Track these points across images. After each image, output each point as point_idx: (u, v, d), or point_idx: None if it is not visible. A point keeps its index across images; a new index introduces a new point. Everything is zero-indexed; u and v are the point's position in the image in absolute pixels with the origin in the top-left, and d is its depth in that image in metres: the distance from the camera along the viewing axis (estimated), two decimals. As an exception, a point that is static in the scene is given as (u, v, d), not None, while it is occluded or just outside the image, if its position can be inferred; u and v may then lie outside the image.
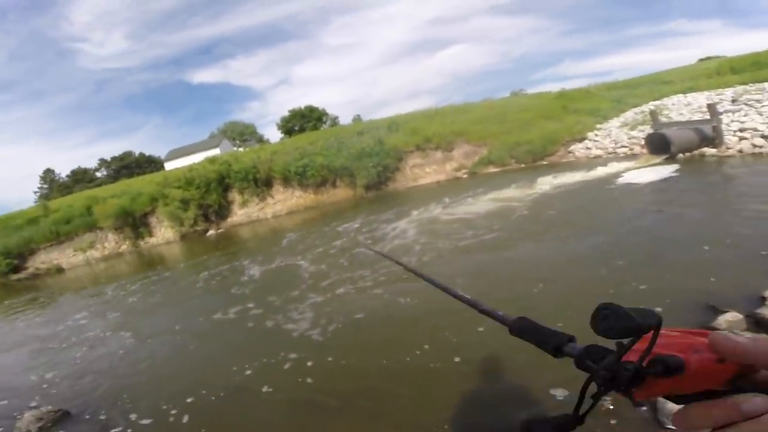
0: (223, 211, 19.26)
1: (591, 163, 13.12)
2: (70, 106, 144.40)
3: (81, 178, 51.57)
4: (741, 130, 9.98)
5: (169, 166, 39.04)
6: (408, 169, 18.39)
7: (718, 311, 3.48)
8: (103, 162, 54.40)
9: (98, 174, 53.61)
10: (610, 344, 0.38)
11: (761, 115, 10.40)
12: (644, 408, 2.51)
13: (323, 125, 42.58)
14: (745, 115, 10.82)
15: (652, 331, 0.35)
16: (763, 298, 3.45)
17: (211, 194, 18.80)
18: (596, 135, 15.60)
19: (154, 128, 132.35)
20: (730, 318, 3.32)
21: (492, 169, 16.54)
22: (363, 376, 3.88)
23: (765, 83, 13.22)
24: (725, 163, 9.15)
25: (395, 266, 6.71)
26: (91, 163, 72.87)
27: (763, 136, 9.23)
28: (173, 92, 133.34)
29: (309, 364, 4.27)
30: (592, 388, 0.38)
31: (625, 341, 0.36)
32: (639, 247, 5.56)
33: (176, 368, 5.01)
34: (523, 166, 15.82)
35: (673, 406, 2.28)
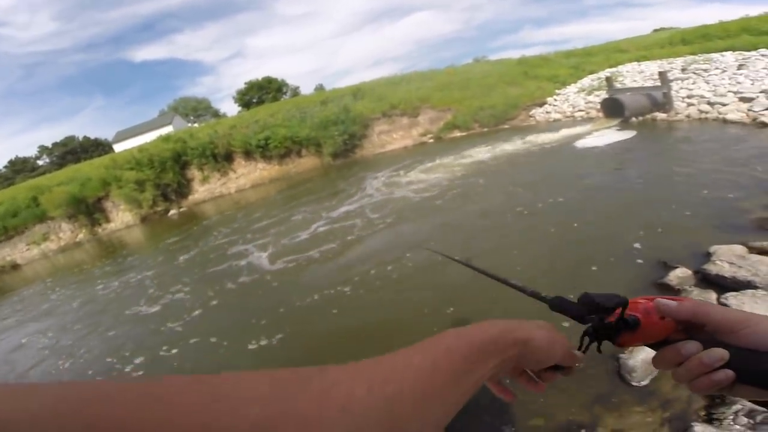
0: (183, 189, 18.38)
1: (551, 126, 13.57)
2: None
3: (21, 168, 46.93)
4: (689, 97, 10.56)
5: (118, 147, 36.20)
6: (375, 135, 18.44)
7: (669, 267, 3.78)
8: (44, 149, 49.47)
9: (40, 162, 48.99)
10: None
11: (708, 83, 11.04)
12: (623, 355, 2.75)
13: (284, 96, 40.74)
14: (693, 83, 11.46)
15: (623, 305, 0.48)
16: (709, 254, 3.78)
17: (167, 173, 17.81)
18: (555, 100, 16.05)
19: (96, 110, 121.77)
20: (680, 274, 3.61)
21: (457, 134, 16.85)
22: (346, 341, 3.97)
23: (712, 54, 13.92)
24: (674, 127, 9.70)
25: (358, 236, 6.85)
26: (30, 152, 66.63)
27: (708, 103, 9.79)
28: (114, 72, 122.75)
29: (289, 337, 4.31)
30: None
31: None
32: (595, 207, 5.92)
33: (156, 362, 4.89)
34: (486, 130, 16.20)
35: (633, 364, 2.56)
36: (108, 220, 17.77)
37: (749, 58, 11.99)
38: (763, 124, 7.83)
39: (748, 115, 8.47)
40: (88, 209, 17.39)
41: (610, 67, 17.71)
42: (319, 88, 38.30)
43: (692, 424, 2.18)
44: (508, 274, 0.59)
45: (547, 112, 15.52)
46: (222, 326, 5.11)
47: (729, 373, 0.42)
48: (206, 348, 4.65)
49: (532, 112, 16.16)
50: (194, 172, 18.56)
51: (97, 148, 47.25)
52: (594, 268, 4.19)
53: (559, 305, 0.51)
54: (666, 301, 0.47)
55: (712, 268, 3.52)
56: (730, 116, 8.77)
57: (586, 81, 16.79)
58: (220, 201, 16.86)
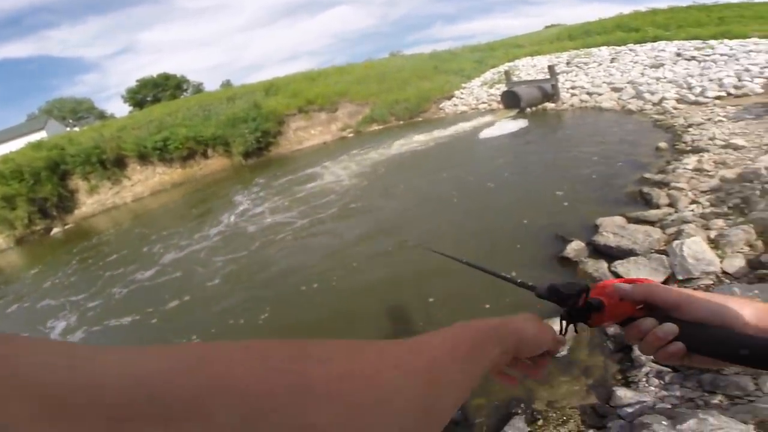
0: (66, 203, 15.73)
1: (458, 118, 14.30)
2: None
3: None
4: (572, 88, 11.88)
5: (-26, 158, 29.76)
6: (291, 132, 17.81)
7: (566, 241, 4.10)
8: None
9: None
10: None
11: (587, 75, 12.59)
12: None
13: (184, 94, 37.29)
14: (575, 76, 12.96)
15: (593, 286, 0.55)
16: (596, 227, 4.19)
17: (43, 186, 15.07)
18: (462, 93, 17.01)
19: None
20: (575, 246, 3.93)
21: (375, 127, 17.01)
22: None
23: (592, 48, 15.89)
24: (561, 115, 10.84)
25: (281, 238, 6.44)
26: None
27: (588, 93, 11.13)
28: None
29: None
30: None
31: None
32: (499, 191, 6.33)
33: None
34: (402, 122, 16.60)
35: None
36: (-28, 246, 14.55)
37: (620, 52, 13.87)
38: (630, 111, 9.07)
39: (618, 104, 9.76)
40: (-58, 235, 14.05)
41: (509, 61, 19.22)
42: (226, 84, 35.85)
43: (614, 389, 2.33)
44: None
45: (455, 105, 16.35)
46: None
47: (679, 345, 0.48)
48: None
49: (442, 104, 16.90)
50: (78, 183, 16.01)
51: (-55, 160, 38.54)
52: (505, 247, 4.44)
53: (546, 294, 0.56)
54: (621, 285, 0.53)
55: (600, 239, 3.88)
56: (605, 104, 10.03)
57: (488, 75, 18.02)
58: (115, 213, 14.80)
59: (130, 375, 0.22)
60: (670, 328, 0.48)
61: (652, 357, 0.51)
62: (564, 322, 0.55)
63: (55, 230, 14.92)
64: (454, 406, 0.38)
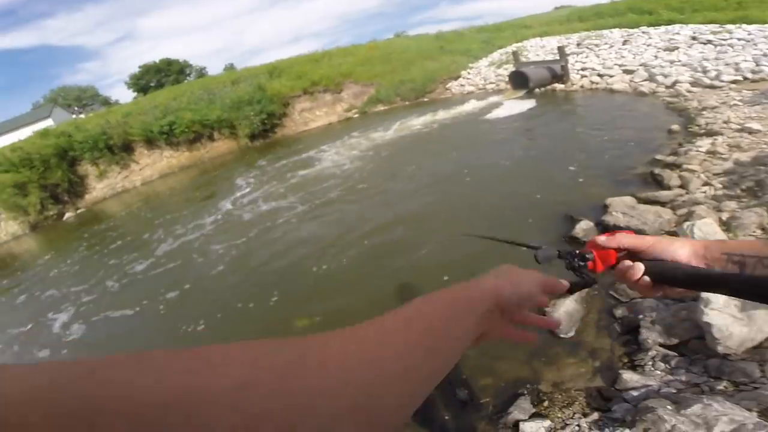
0: (76, 188, 15.92)
1: (465, 98, 14.07)
2: None
3: None
4: (583, 69, 11.57)
5: (-18, 149, 29.93)
6: (297, 113, 17.87)
7: (575, 220, 4.09)
8: None
9: None
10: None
11: (598, 57, 12.26)
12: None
13: (188, 78, 37.08)
14: (586, 57, 12.63)
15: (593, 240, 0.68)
16: (606, 206, 4.15)
17: (53, 172, 15.21)
18: (469, 73, 16.70)
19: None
20: (584, 226, 3.91)
21: (380, 108, 16.93)
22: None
23: (603, 30, 15.45)
24: (571, 96, 10.59)
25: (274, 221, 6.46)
26: None
27: (599, 75, 10.82)
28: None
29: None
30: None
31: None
32: (510, 171, 6.32)
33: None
34: (407, 103, 16.48)
35: (557, 316, 2.72)
36: (-11, 233, 14.82)
37: (633, 34, 13.46)
38: (642, 93, 8.83)
39: (630, 85, 9.50)
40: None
41: (517, 42, 18.74)
42: (229, 68, 35.55)
43: (620, 372, 2.31)
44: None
45: (462, 85, 16.07)
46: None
47: (647, 279, 0.61)
48: None
49: (449, 85, 16.63)
50: (87, 168, 16.17)
51: (-45, 150, 38.79)
52: (516, 226, 4.50)
53: (543, 255, 0.67)
54: (600, 237, 0.66)
55: (610, 219, 3.85)
56: (616, 86, 9.76)
57: (496, 55, 17.61)
58: (125, 196, 15.01)
59: (19, 387, 0.21)
60: (639, 266, 0.61)
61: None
62: (571, 273, 0.67)
63: (68, 215, 15.16)
64: (418, 395, 0.35)
